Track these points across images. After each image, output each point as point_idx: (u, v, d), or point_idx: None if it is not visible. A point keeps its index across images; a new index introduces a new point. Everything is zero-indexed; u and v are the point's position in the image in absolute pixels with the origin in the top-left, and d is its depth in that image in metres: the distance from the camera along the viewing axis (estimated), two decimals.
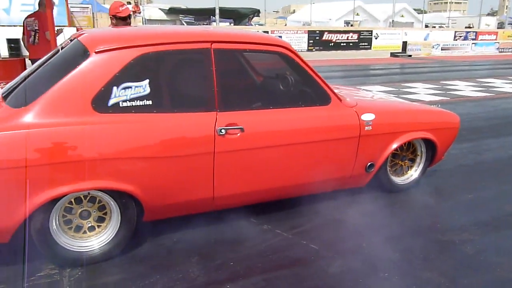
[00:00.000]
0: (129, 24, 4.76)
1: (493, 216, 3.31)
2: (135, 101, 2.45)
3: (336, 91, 3.19)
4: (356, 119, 3.13)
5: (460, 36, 27.84)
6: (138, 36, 2.63)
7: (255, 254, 2.70)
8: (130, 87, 2.43)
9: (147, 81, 2.47)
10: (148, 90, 2.47)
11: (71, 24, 19.50)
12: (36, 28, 6.36)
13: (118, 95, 2.40)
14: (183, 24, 26.44)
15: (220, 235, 2.91)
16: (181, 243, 2.80)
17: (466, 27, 33.92)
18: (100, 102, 2.37)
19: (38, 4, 6.45)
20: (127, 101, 2.43)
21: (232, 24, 27.58)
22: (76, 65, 2.37)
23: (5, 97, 2.53)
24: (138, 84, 2.45)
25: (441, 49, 23.28)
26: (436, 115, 3.76)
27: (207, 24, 27.76)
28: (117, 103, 2.41)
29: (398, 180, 3.67)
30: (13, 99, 2.42)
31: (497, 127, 6.27)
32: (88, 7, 22.99)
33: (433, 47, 22.96)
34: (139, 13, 27.24)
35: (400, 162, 3.65)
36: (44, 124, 2.24)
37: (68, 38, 2.93)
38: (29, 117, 2.24)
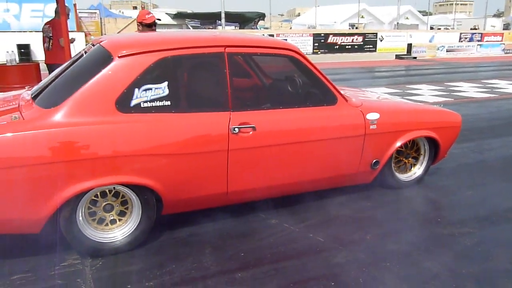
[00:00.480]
0: (154, 30, 4.99)
1: (492, 211, 3.44)
2: (155, 101, 2.63)
3: (342, 92, 3.36)
4: (361, 118, 3.29)
5: (466, 38, 27.84)
6: (157, 42, 2.82)
7: (264, 246, 2.86)
8: (151, 89, 2.61)
9: (166, 83, 2.65)
10: (167, 91, 2.65)
11: (79, 29, 19.76)
12: (51, 35, 6.61)
13: (140, 96, 2.59)
14: (189, 28, 26.74)
15: (231, 229, 3.07)
16: (194, 236, 2.96)
17: (471, 29, 33.90)
18: (123, 102, 2.55)
19: (55, 12, 6.69)
20: (148, 102, 2.61)
21: (237, 28, 27.79)
22: (101, 69, 2.56)
23: (34, 98, 2.73)
24: (157, 86, 2.63)
25: (446, 51, 23.33)
26: (438, 114, 3.91)
27: (213, 28, 28.00)
28: (139, 104, 2.59)
29: (403, 177, 3.82)
30: (43, 100, 2.61)
31: (499, 127, 6.39)
32: (96, 13, 23.28)
33: (438, 49, 23.02)
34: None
35: (404, 159, 3.80)
36: (73, 123, 2.43)
37: (90, 43, 3.12)
38: (58, 117, 2.43)
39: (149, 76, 2.61)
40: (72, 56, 4.69)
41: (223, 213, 3.21)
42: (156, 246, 2.82)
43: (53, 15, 6.82)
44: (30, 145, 2.34)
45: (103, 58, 2.64)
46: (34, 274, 2.50)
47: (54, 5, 7.09)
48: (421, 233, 3.08)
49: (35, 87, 3.02)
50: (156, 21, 5.17)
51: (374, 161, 3.47)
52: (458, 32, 28.97)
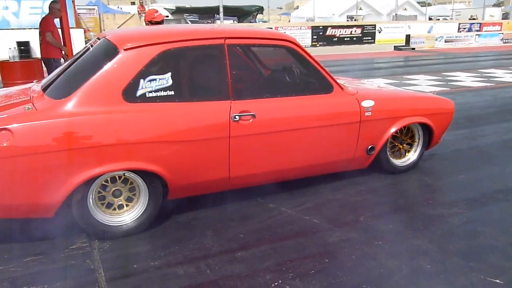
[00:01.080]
0: None
1: (481, 193, 3.58)
2: (159, 91, 2.77)
3: (338, 81, 3.50)
4: (356, 105, 3.43)
5: (464, 28, 27.81)
6: (161, 34, 2.96)
7: (263, 228, 3.01)
8: (155, 80, 2.75)
9: (169, 74, 2.80)
10: (170, 82, 2.80)
11: (78, 25, 19.78)
12: (40, 30, 6.75)
13: (145, 86, 2.73)
14: (188, 23, 26.73)
15: (231, 213, 3.22)
16: (195, 220, 3.11)
17: (469, 19, 33.87)
18: (130, 93, 2.69)
19: (48, 8, 6.86)
20: (153, 92, 2.75)
21: (235, 22, 27.80)
22: (108, 61, 2.70)
23: (44, 90, 2.87)
24: (161, 76, 2.77)
25: (445, 42, 23.34)
26: (432, 101, 4.05)
27: (211, 22, 28.00)
28: (144, 94, 2.73)
29: (398, 162, 3.97)
30: (53, 92, 2.75)
31: (493, 115, 6.52)
32: (94, 9, 23.25)
33: (437, 40, 23.04)
34: (144, 13, 27.62)
35: (399, 145, 3.95)
36: (82, 112, 2.58)
37: (95, 38, 3.25)
38: (69, 107, 2.58)
39: (153, 68, 2.75)
40: (74, 50, 4.84)
41: (223, 199, 3.35)
42: (160, 230, 2.97)
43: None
44: (43, 134, 2.49)
45: (109, 51, 2.78)
46: (45, 256, 2.64)
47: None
48: (412, 214, 3.23)
49: (45, 80, 3.17)
50: (164, 18, 5.30)
51: (370, 146, 3.61)
52: (457, 22, 28.95)
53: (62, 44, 6.91)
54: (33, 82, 3.67)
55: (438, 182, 3.93)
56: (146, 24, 5.30)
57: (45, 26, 6.63)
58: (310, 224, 3.07)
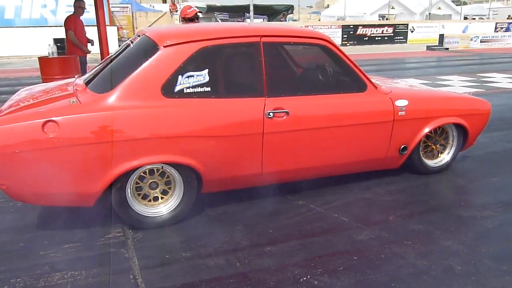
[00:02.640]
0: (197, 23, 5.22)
1: None
2: (197, 88, 2.85)
3: (372, 80, 3.49)
4: (390, 104, 3.42)
5: (502, 28, 26.88)
6: (199, 32, 3.03)
7: (292, 224, 3.04)
8: (193, 76, 2.84)
9: (206, 70, 2.87)
10: (207, 78, 2.87)
11: (112, 23, 20.26)
12: (65, 28, 7.02)
13: (183, 82, 2.81)
14: (218, 21, 26.96)
15: (260, 209, 3.26)
16: (225, 215, 3.18)
17: (507, 18, 32.73)
18: (168, 88, 2.79)
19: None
20: (190, 88, 2.84)
21: (265, 20, 27.83)
22: (148, 57, 2.80)
23: (86, 84, 3.00)
24: (199, 73, 2.85)
25: (480, 42, 22.68)
26: (467, 101, 3.98)
27: (241, 21, 28.15)
28: (182, 90, 2.82)
29: (431, 162, 3.92)
30: (96, 86, 2.88)
31: None
32: (127, 7, 23.74)
33: (472, 40, 22.42)
34: (176, 11, 27.96)
35: (432, 145, 3.90)
36: (123, 106, 2.69)
37: (136, 35, 3.37)
38: (111, 101, 2.69)
39: (191, 64, 2.84)
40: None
41: (252, 195, 3.41)
42: (192, 222, 3.05)
43: (88, 10, 7.23)
44: (87, 126, 2.61)
45: (149, 47, 2.88)
46: (82, 244, 2.77)
47: (89, 1, 7.48)
48: (443, 215, 3.19)
49: (87, 75, 3.31)
50: (198, 14, 5.43)
51: (402, 146, 3.59)
52: (494, 21, 27.99)
53: (87, 41, 7.17)
54: (70, 77, 3.83)
55: (471, 184, 3.86)
56: (181, 20, 5.46)
57: (67, 24, 6.91)
58: (338, 221, 3.08)
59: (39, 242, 2.79)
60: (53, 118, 2.55)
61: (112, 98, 2.69)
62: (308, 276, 2.43)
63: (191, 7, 5.43)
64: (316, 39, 3.24)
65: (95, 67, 3.32)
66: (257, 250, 2.71)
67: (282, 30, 3.26)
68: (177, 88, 2.81)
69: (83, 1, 7.18)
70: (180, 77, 2.81)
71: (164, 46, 2.82)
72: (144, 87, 2.74)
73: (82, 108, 2.66)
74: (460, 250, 2.70)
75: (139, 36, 3.22)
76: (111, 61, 3.12)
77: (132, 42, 3.19)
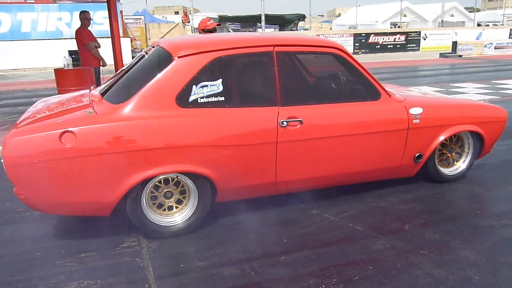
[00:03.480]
0: None
1: None
2: (211, 97, 2.88)
3: (385, 88, 3.48)
4: (404, 113, 3.40)
5: None
6: (212, 43, 3.07)
7: (306, 234, 3.03)
8: (206, 86, 2.86)
9: (220, 80, 2.90)
10: (221, 88, 2.90)
11: (125, 35, 20.58)
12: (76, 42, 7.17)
13: (197, 92, 2.84)
14: (230, 31, 27.20)
15: (273, 218, 3.25)
16: (239, 224, 3.17)
17: None
18: (182, 98, 2.82)
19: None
20: (204, 98, 2.86)
21: (277, 30, 27.96)
22: (162, 68, 2.84)
23: (102, 95, 3.04)
24: (213, 83, 2.88)
25: (495, 48, 22.41)
26: (483, 109, 3.94)
27: (253, 31, 28.35)
28: (196, 99, 2.85)
29: (446, 171, 3.88)
30: (111, 97, 2.92)
31: None
32: (140, 18, 24.10)
33: (486, 47, 22.18)
34: (188, 22, 28.29)
35: (448, 153, 3.86)
36: (139, 117, 2.72)
37: (150, 46, 3.42)
38: (126, 111, 2.73)
39: (205, 74, 2.87)
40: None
41: (266, 204, 3.40)
42: (205, 232, 3.06)
43: (102, 22, 7.33)
44: (104, 136, 2.64)
45: (164, 58, 2.92)
46: (98, 253, 2.81)
47: (104, 13, 7.60)
48: (460, 224, 3.15)
49: (102, 85, 3.36)
50: (216, 26, 5.49)
51: (417, 155, 3.56)
52: (508, 28, 27.68)
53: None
54: (85, 88, 3.89)
55: (488, 192, 3.80)
56: (200, 32, 5.50)
57: (81, 37, 7.04)
58: (353, 231, 3.06)
59: (55, 252, 2.83)
60: (70, 129, 2.59)
61: (128, 108, 2.73)
62: (323, 286, 2.42)
63: (210, 19, 5.48)
64: (329, 47, 3.25)
65: (111, 78, 3.38)
66: (272, 259, 2.70)
67: (295, 39, 3.28)
68: (192, 98, 2.83)
69: (88, 12, 7.30)
70: (194, 87, 2.84)
71: (179, 57, 2.86)
72: (159, 97, 2.78)
73: (99, 118, 2.70)
74: (478, 260, 2.65)
75: (153, 47, 3.27)
76: (126, 72, 3.17)
77: (146, 53, 3.24)
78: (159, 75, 2.82)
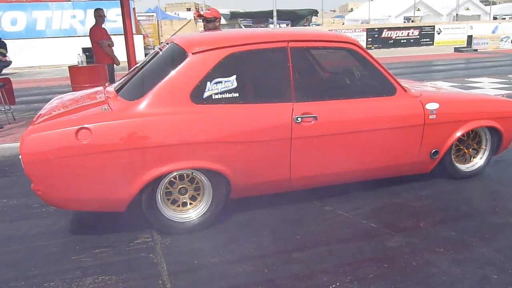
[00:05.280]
0: (218, 25, 5.14)
1: None
2: (225, 93, 2.87)
3: (401, 83, 3.43)
4: (420, 108, 3.35)
5: None
6: (226, 39, 3.06)
7: (319, 230, 3.00)
8: (221, 82, 2.86)
9: (234, 76, 2.89)
10: (235, 84, 2.89)
11: (138, 32, 20.69)
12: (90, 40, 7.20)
13: (211, 88, 2.84)
14: (241, 28, 27.18)
15: (287, 215, 3.24)
16: (252, 221, 3.17)
17: None
18: (197, 94, 2.81)
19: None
20: (218, 94, 2.86)
21: (289, 25, 27.84)
22: (177, 65, 2.84)
23: (117, 92, 3.05)
24: (227, 79, 2.87)
25: (511, 42, 22.04)
26: (501, 104, 3.86)
27: (265, 27, 28.28)
28: (210, 96, 2.84)
29: (463, 167, 3.82)
30: (126, 93, 2.94)
31: None
32: (153, 15, 24.21)
33: (502, 40, 21.80)
34: (200, 18, 28.31)
35: (465, 149, 3.79)
36: (154, 113, 2.73)
37: (164, 42, 3.42)
38: (141, 108, 2.74)
39: (219, 70, 2.86)
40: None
41: (279, 200, 3.39)
42: (219, 228, 3.05)
43: (115, 19, 7.34)
44: (119, 133, 2.66)
45: (178, 55, 2.92)
46: (112, 249, 2.82)
47: (117, 10, 7.62)
48: (477, 221, 3.10)
49: (117, 82, 3.38)
50: (217, 18, 5.37)
51: (434, 150, 3.51)
52: None
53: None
54: (99, 85, 3.91)
55: (505, 189, 3.72)
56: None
57: (95, 36, 7.08)
58: (367, 228, 3.03)
59: (70, 247, 2.85)
60: (86, 125, 2.61)
61: (143, 105, 2.74)
62: (337, 284, 2.39)
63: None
64: (344, 43, 3.21)
65: (125, 75, 3.39)
66: (285, 256, 2.68)
67: (310, 34, 3.25)
68: (206, 94, 2.83)
69: (102, 9, 7.33)
70: (208, 83, 2.83)
71: (193, 53, 2.85)
72: (173, 93, 2.78)
73: (114, 115, 2.72)
74: (495, 258, 2.60)
75: (167, 43, 3.27)
76: (141, 69, 3.18)
77: (161, 50, 3.24)
78: (173, 72, 2.82)
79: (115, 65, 7.37)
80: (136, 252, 2.77)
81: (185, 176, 2.92)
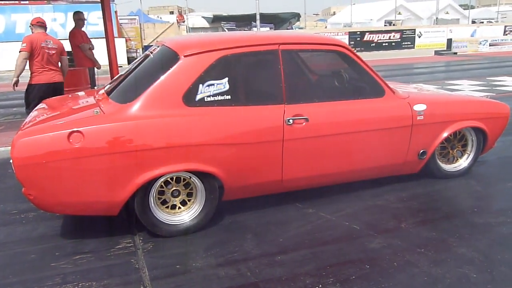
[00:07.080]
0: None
1: None
2: (217, 96, 2.88)
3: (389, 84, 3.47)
4: (408, 109, 3.41)
5: (511, 31, 26.66)
6: (218, 41, 3.07)
7: (302, 233, 3.01)
8: (213, 84, 2.87)
9: (226, 79, 2.90)
10: (227, 86, 2.90)
11: (120, 35, 20.46)
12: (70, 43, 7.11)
13: (203, 91, 2.84)
14: (225, 31, 27.17)
15: (270, 218, 3.24)
16: (235, 224, 3.15)
17: None
18: (189, 97, 2.82)
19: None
20: (211, 96, 2.87)
21: (272, 29, 27.93)
22: (169, 67, 2.84)
23: (108, 94, 3.02)
24: (219, 82, 2.88)
25: (490, 45, 22.46)
26: (486, 105, 3.95)
27: (248, 30, 28.30)
28: (203, 98, 2.85)
29: (448, 167, 3.88)
30: (118, 96, 2.92)
31: None
32: (135, 19, 23.96)
33: (481, 44, 22.22)
34: (183, 22, 28.19)
35: (450, 149, 3.86)
36: (146, 116, 2.72)
37: (155, 45, 3.40)
38: (134, 111, 2.73)
39: (211, 73, 2.87)
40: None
41: (262, 203, 3.38)
42: (201, 232, 3.02)
43: (97, 23, 7.24)
44: (111, 136, 2.64)
45: (170, 57, 2.92)
46: (92, 254, 2.77)
47: (98, 13, 7.50)
48: (457, 221, 3.14)
49: (107, 85, 3.35)
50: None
51: (422, 151, 3.58)
52: (503, 25, 27.75)
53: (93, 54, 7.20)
54: (81, 89, 3.86)
55: (485, 189, 3.78)
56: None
57: (75, 39, 6.99)
58: (350, 229, 3.04)
59: (50, 254, 2.79)
60: (78, 129, 2.59)
61: (135, 107, 2.73)
62: (320, 286, 2.40)
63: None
64: (333, 45, 3.26)
65: (115, 78, 3.36)
66: (268, 259, 2.68)
67: (300, 37, 3.29)
68: (198, 97, 2.83)
69: (82, 12, 7.23)
70: (201, 86, 2.84)
71: (185, 56, 2.86)
72: (166, 96, 2.78)
73: (106, 118, 2.70)
74: (475, 258, 2.64)
75: (158, 46, 3.26)
76: (132, 72, 3.16)
77: (151, 53, 3.23)
78: (165, 75, 2.82)
79: (96, 68, 7.28)
80: (117, 257, 2.73)
81: (181, 179, 2.92)
